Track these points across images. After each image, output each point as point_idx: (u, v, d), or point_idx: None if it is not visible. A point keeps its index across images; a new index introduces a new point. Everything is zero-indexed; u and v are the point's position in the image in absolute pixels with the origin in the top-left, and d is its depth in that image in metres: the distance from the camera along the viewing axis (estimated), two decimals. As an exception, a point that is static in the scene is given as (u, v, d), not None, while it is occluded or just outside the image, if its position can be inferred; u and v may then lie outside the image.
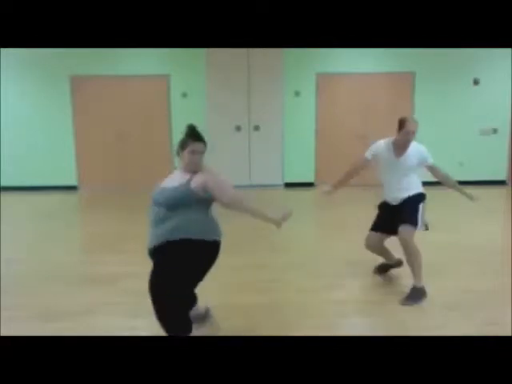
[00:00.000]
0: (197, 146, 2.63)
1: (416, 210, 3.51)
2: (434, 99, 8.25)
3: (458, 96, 8.25)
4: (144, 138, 8.31)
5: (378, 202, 3.87)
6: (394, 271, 4.02)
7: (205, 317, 2.97)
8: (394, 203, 3.67)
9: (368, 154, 3.68)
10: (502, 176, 8.43)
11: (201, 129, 2.77)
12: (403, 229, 3.46)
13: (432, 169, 3.66)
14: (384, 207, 3.79)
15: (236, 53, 7.94)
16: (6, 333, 2.90)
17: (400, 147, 3.53)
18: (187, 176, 2.63)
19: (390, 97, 8.28)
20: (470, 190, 3.66)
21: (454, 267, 4.17)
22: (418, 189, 3.63)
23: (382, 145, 3.63)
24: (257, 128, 8.29)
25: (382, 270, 3.98)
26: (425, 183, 3.70)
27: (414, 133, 3.46)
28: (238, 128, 8.26)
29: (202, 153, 2.66)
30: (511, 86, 8.11)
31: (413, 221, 3.47)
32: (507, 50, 7.97)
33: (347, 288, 3.74)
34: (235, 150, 8.33)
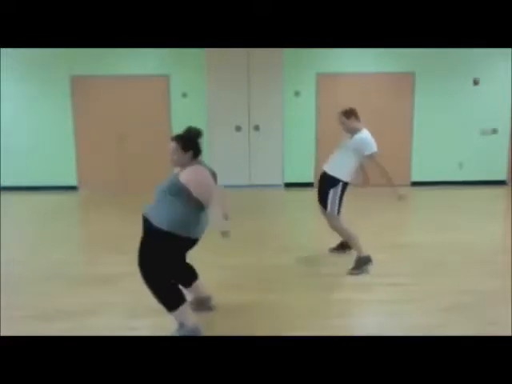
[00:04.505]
0: (170, 143, 2.87)
1: (328, 193, 4.10)
2: (433, 99, 8.24)
3: (458, 96, 8.24)
4: (144, 139, 8.31)
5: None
6: (402, 277, 4.03)
7: (205, 303, 3.25)
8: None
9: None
10: (501, 176, 8.42)
11: (200, 129, 2.88)
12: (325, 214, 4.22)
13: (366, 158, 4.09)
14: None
15: (236, 53, 7.93)
16: (5, 333, 2.90)
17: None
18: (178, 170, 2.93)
19: (390, 97, 8.27)
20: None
21: (454, 267, 4.16)
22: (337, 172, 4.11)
23: None
24: (257, 128, 8.28)
25: (340, 247, 4.55)
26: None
27: (338, 119, 4.22)
28: (238, 128, 8.26)
29: (174, 149, 2.84)
30: (511, 86, 8.11)
31: (327, 206, 4.13)
32: (507, 50, 7.95)
33: (347, 288, 3.74)
34: (235, 149, 8.33)
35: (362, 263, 4.03)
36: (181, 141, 2.84)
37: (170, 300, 2.84)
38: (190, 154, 2.84)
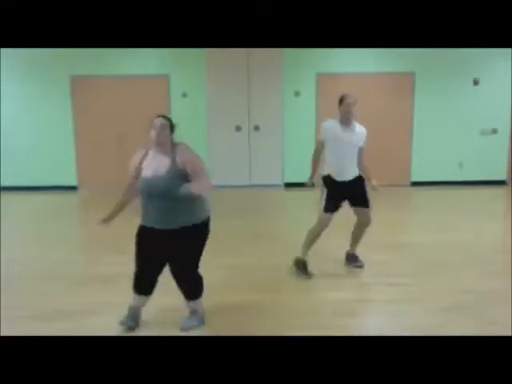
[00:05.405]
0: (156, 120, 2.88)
1: (367, 192, 4.00)
2: (433, 99, 8.23)
3: (458, 96, 8.24)
4: (144, 139, 8.30)
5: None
6: (402, 277, 4.04)
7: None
8: (342, 179, 3.92)
9: (322, 137, 3.93)
10: (502, 176, 8.42)
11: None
12: (365, 212, 3.99)
13: (360, 151, 3.97)
14: (334, 186, 3.93)
15: (236, 53, 7.93)
16: (5, 333, 2.90)
17: (344, 120, 3.82)
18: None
19: (390, 97, 8.27)
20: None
21: (454, 267, 4.16)
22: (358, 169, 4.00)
23: (330, 122, 3.91)
24: (257, 128, 8.28)
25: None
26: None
27: (351, 104, 3.75)
28: (238, 128, 8.26)
29: (163, 125, 2.88)
30: (511, 86, 8.10)
31: (369, 203, 4.01)
32: (507, 50, 7.95)
33: (347, 288, 3.74)
34: (235, 149, 8.33)
35: (356, 258, 4.15)
36: (169, 120, 2.93)
37: (200, 288, 3.02)
38: (172, 135, 2.95)
